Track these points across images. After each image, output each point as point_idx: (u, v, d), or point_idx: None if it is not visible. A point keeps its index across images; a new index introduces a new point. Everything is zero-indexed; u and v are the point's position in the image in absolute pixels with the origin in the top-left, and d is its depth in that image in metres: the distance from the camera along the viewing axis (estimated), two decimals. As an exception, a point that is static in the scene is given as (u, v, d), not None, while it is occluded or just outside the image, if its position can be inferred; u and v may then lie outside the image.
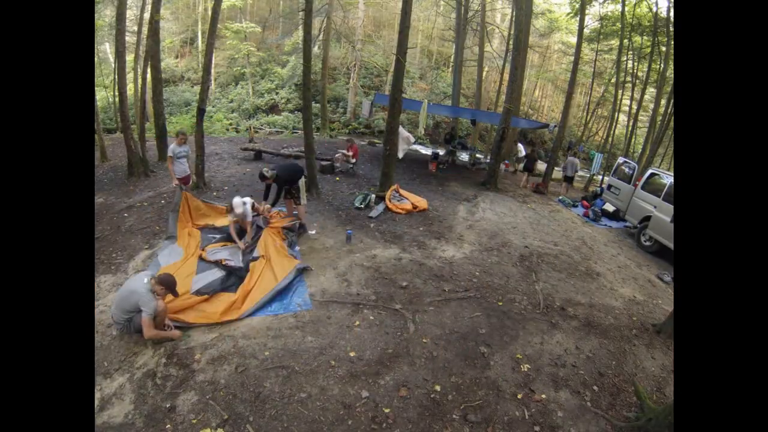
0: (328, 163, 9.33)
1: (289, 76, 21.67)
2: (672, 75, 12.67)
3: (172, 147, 5.97)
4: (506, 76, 13.11)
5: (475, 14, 15.49)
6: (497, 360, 3.48)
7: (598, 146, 19.62)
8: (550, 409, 3.01)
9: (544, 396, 3.13)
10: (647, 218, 7.28)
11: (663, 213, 6.87)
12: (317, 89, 16.77)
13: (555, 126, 12.20)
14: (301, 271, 4.47)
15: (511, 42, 12.67)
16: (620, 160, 9.59)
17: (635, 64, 15.39)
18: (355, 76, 20.50)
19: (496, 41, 24.31)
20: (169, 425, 2.57)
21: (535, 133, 23.07)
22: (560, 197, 10.03)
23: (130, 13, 17.39)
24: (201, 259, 4.58)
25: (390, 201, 7.05)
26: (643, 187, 7.72)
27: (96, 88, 12.43)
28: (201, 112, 7.17)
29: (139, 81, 11.03)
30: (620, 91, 14.64)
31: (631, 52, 14.89)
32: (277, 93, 21.45)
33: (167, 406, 2.72)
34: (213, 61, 18.58)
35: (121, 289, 3.31)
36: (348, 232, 5.44)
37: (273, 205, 5.34)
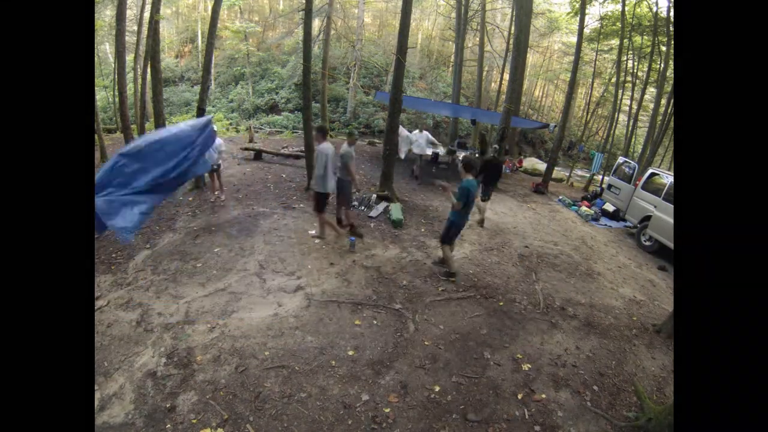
0: None
1: (289, 76, 21.68)
2: (672, 75, 12.67)
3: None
4: (506, 76, 13.11)
5: (475, 14, 15.49)
6: (497, 360, 3.48)
7: (598, 146, 19.62)
8: (550, 409, 3.01)
9: (544, 396, 3.13)
10: (647, 218, 7.28)
11: (663, 213, 6.87)
12: (317, 89, 16.76)
13: (555, 126, 12.20)
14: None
15: (511, 42, 12.66)
16: (620, 159, 9.59)
17: (635, 63, 15.39)
18: (355, 76, 20.50)
19: (497, 41, 24.32)
20: (169, 425, 2.57)
21: (535, 133, 23.08)
22: (560, 197, 10.03)
23: (130, 13, 17.38)
24: None
25: None
26: (643, 187, 7.72)
27: (96, 88, 12.41)
28: (201, 112, 7.16)
29: (139, 81, 11.02)
30: (620, 91, 14.65)
31: (631, 52, 14.88)
32: (277, 93, 21.47)
33: (167, 406, 2.72)
34: (213, 61, 18.57)
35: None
36: (351, 239, 5.40)
37: None
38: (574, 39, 17.02)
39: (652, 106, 15.78)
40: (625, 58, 14.77)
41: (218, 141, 5.65)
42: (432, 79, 24.66)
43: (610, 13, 14.76)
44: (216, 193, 6.76)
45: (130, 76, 13.54)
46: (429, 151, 10.22)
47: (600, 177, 14.25)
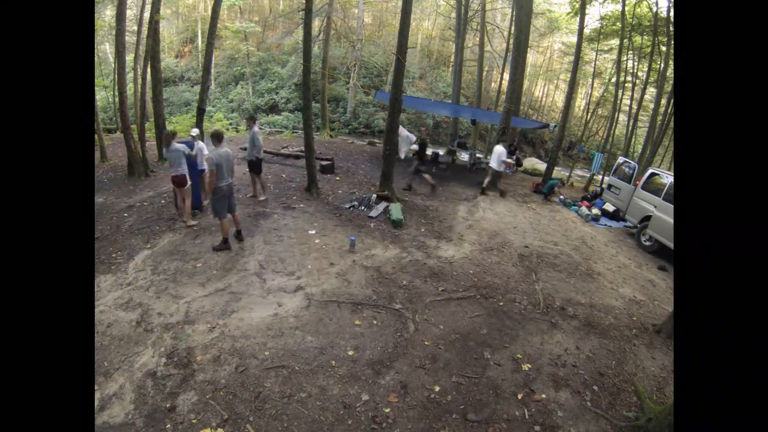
0: (329, 162, 9.33)
1: (289, 76, 21.69)
2: (672, 75, 12.66)
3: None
4: (506, 76, 13.11)
5: (475, 14, 15.48)
6: (497, 360, 3.48)
7: (598, 146, 19.62)
8: (550, 409, 3.01)
9: (544, 396, 3.13)
10: (647, 218, 7.28)
11: (663, 213, 6.87)
12: (317, 89, 16.76)
13: (555, 126, 12.19)
14: None
15: (511, 42, 12.65)
16: (620, 160, 9.58)
17: (635, 63, 15.38)
18: (355, 76, 20.51)
19: (497, 41, 24.31)
20: (169, 425, 2.58)
21: (535, 133, 23.08)
22: (561, 197, 10.02)
23: (130, 13, 17.38)
24: None
25: None
26: (643, 187, 7.71)
27: (96, 88, 12.40)
28: (201, 111, 7.17)
29: (139, 81, 11.03)
30: (620, 91, 14.63)
31: (631, 52, 14.87)
32: (277, 93, 21.47)
33: (167, 406, 2.72)
34: (213, 61, 18.58)
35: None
36: (351, 239, 5.40)
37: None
38: (574, 39, 17.03)
39: (652, 106, 15.77)
40: (625, 58, 14.75)
41: (200, 144, 6.17)
42: (432, 79, 24.66)
43: (610, 13, 14.74)
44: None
45: (130, 76, 13.55)
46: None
47: (600, 177, 14.25)
